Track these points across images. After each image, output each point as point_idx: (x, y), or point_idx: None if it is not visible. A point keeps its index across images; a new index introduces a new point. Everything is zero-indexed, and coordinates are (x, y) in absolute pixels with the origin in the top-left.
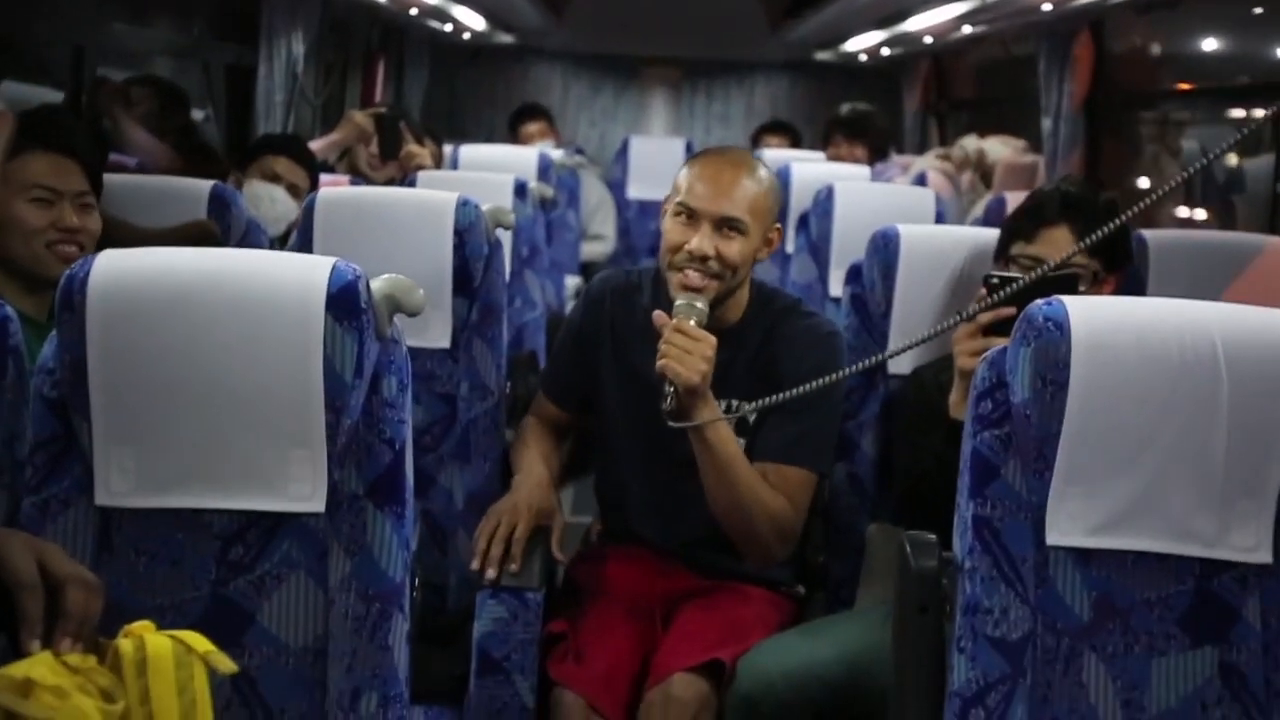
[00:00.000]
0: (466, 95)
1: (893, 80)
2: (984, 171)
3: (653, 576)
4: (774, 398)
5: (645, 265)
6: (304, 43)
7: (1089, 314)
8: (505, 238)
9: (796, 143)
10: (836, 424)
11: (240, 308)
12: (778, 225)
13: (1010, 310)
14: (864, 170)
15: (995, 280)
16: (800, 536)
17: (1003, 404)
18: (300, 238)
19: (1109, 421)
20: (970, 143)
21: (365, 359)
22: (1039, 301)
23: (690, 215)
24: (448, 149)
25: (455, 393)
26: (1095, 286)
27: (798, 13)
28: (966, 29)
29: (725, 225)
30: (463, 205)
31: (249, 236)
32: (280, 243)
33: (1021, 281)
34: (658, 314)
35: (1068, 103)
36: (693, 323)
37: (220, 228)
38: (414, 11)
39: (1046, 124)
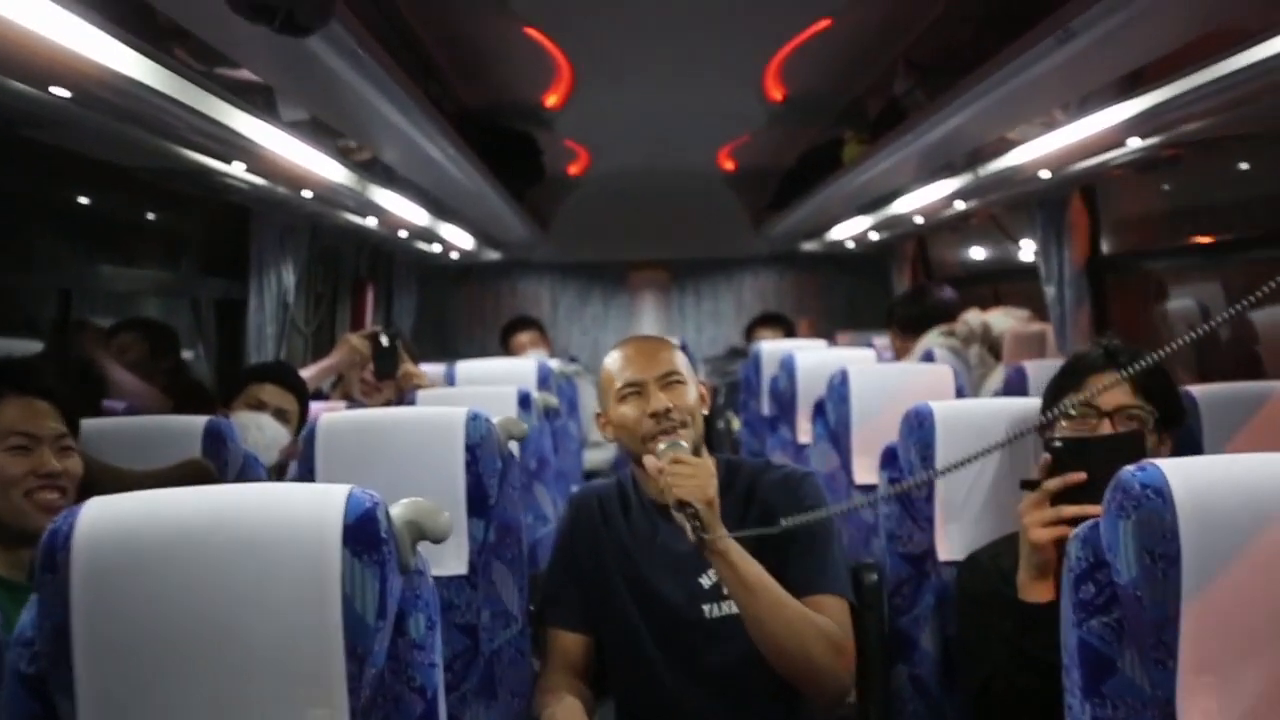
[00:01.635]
0: (456, 314)
1: (880, 263)
2: (990, 344)
3: None
4: (807, 516)
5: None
6: (294, 273)
7: (1188, 475)
8: (515, 452)
9: (790, 333)
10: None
11: (246, 548)
12: (704, 382)
13: (1080, 476)
14: (870, 353)
15: (1060, 445)
16: None
17: (1106, 586)
18: (301, 467)
19: (1231, 597)
20: (974, 317)
21: (389, 596)
22: (1130, 468)
23: (636, 389)
24: (441, 368)
25: (476, 622)
26: (1156, 447)
27: (782, 205)
28: (959, 205)
29: (668, 380)
30: (473, 420)
31: (247, 471)
32: (275, 474)
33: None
34: (648, 459)
35: (1069, 268)
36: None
37: (216, 464)
38: (403, 234)
39: (1050, 290)
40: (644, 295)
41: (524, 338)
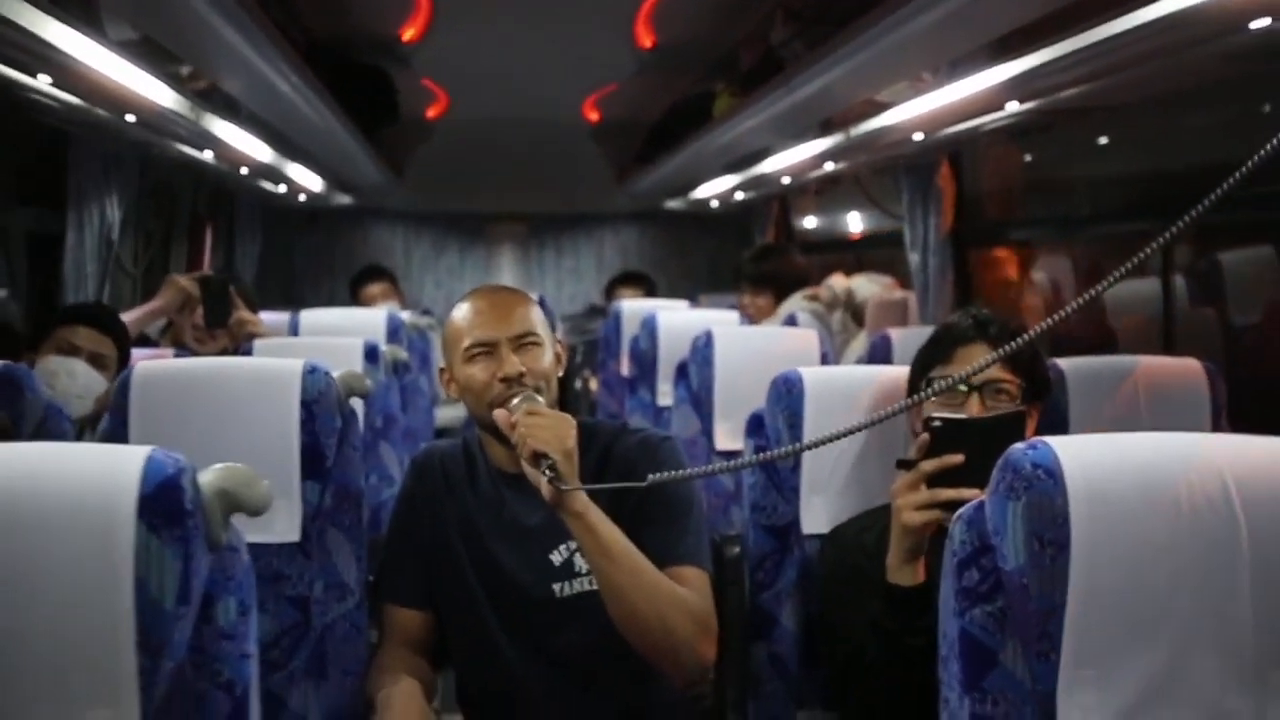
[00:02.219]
0: (304, 261)
1: (744, 224)
2: (854, 310)
3: None
4: (675, 475)
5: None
6: (119, 207)
7: (1080, 455)
8: (359, 408)
9: (651, 292)
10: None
11: (19, 520)
12: (560, 340)
13: (958, 458)
14: (734, 315)
15: (938, 424)
16: None
17: (991, 572)
18: (113, 421)
19: (1119, 586)
20: (838, 282)
21: (193, 578)
22: (1021, 446)
23: (486, 349)
24: (284, 316)
25: (308, 594)
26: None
27: (648, 160)
28: (829, 166)
29: (523, 342)
30: (310, 373)
31: (48, 424)
32: (87, 427)
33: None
34: (499, 413)
35: (934, 235)
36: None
37: (11, 417)
38: (244, 171)
39: (914, 258)
40: (502, 248)
41: (375, 289)
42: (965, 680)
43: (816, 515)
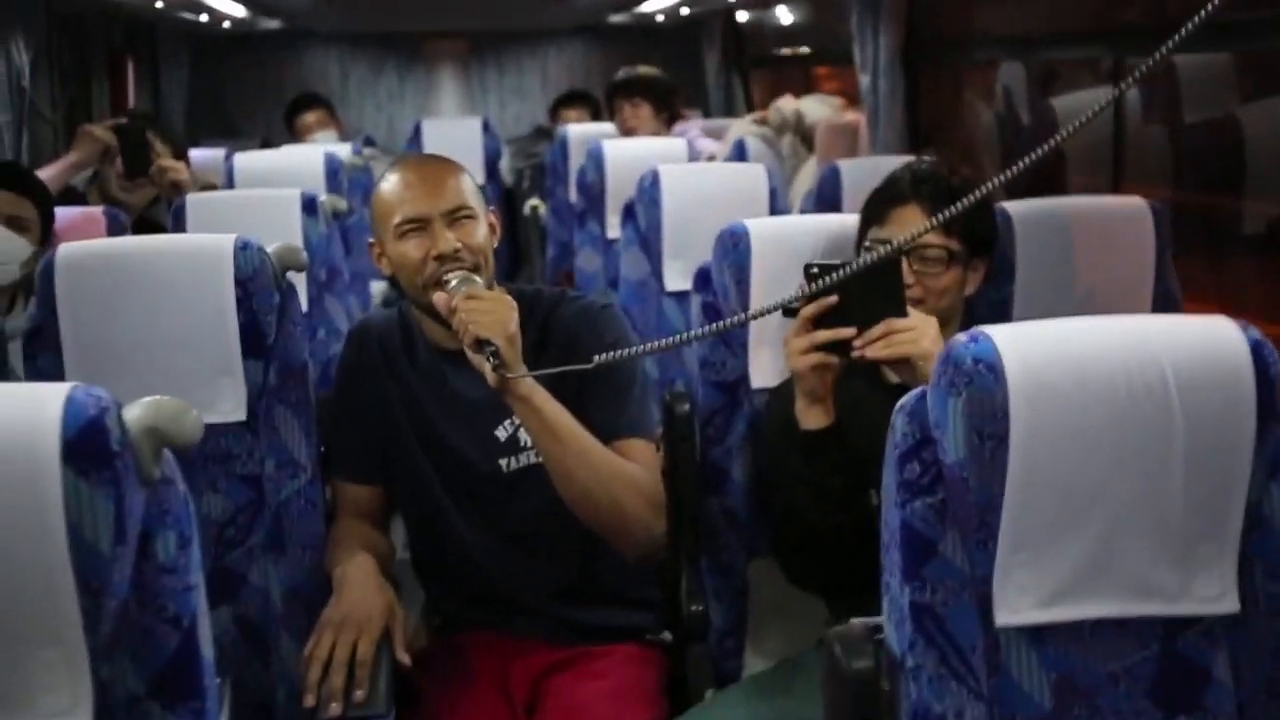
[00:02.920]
0: (235, 92)
1: (692, 40)
2: (804, 134)
3: (505, 662)
4: (621, 353)
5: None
6: (27, 49)
7: (1021, 348)
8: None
9: (597, 113)
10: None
11: None
12: (493, 209)
13: (831, 300)
14: (683, 147)
15: (815, 270)
16: (671, 579)
17: (932, 465)
18: (41, 310)
19: (1056, 475)
20: (787, 104)
21: (127, 517)
22: (961, 338)
23: (418, 225)
24: (220, 153)
25: (260, 472)
26: (966, 272)
27: None
28: None
29: (457, 216)
30: (243, 249)
31: None
32: (19, 293)
33: (841, 272)
34: (438, 296)
35: (885, 55)
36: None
37: None
38: (159, 2)
39: (864, 80)
40: (442, 68)
41: (310, 118)
42: (905, 569)
43: (765, 369)
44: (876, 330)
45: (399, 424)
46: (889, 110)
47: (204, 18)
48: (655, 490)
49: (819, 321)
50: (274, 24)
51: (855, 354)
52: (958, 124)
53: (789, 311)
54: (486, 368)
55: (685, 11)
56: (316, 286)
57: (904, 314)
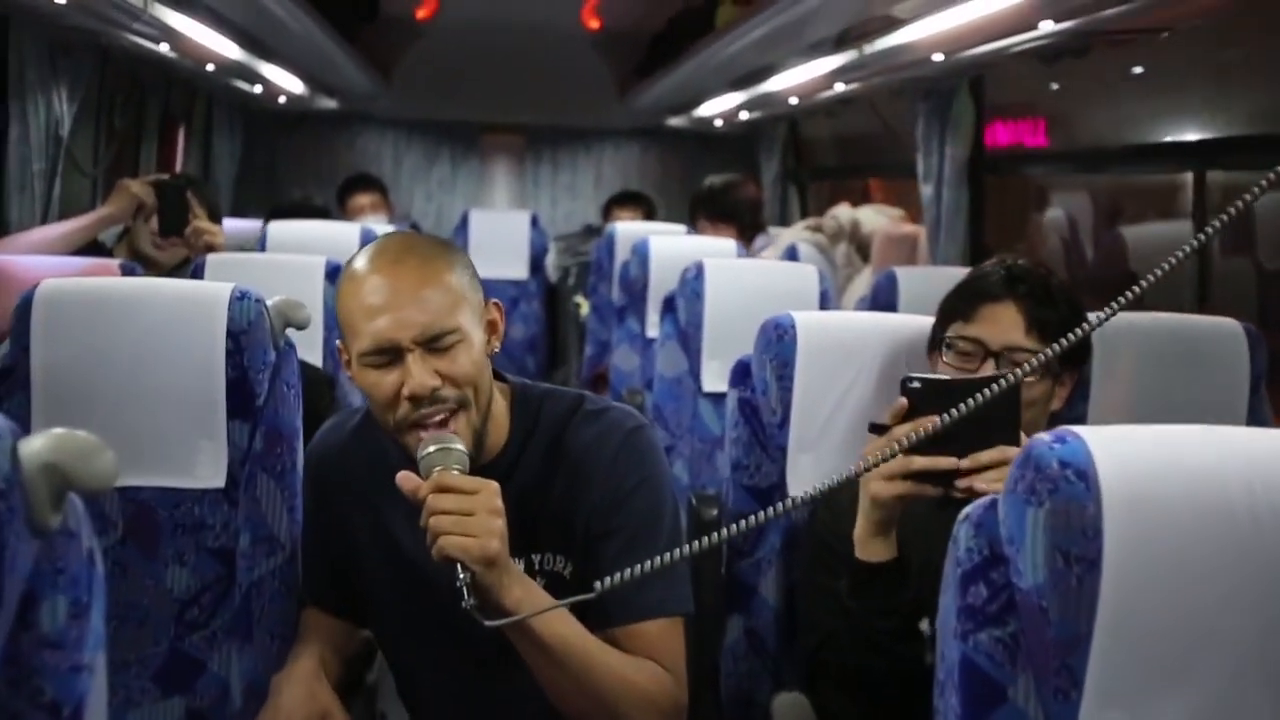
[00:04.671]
0: (286, 167)
1: (749, 146)
2: (859, 243)
3: None
4: (622, 576)
5: (353, 410)
6: (68, 100)
7: (1119, 452)
8: (316, 340)
9: (650, 214)
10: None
11: None
12: (495, 302)
13: (934, 420)
14: (731, 244)
15: (916, 384)
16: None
17: (1003, 589)
18: (15, 346)
19: (1159, 610)
20: (843, 212)
21: (6, 575)
22: (1046, 437)
23: (386, 354)
24: (256, 224)
25: (234, 547)
26: (1054, 386)
27: (649, 71)
28: (839, 86)
29: (437, 345)
30: (239, 299)
31: None
32: None
33: (974, 399)
34: (403, 476)
35: (950, 166)
36: (455, 472)
37: None
38: (210, 68)
39: (927, 190)
40: (496, 161)
41: (363, 199)
42: (966, 717)
43: (804, 476)
44: (988, 457)
45: (367, 562)
46: (951, 222)
47: (258, 89)
48: (671, 697)
49: (913, 446)
50: (331, 104)
51: (961, 487)
52: (1022, 240)
53: (876, 428)
54: (463, 591)
55: (744, 116)
56: (334, 362)
57: (1018, 441)
